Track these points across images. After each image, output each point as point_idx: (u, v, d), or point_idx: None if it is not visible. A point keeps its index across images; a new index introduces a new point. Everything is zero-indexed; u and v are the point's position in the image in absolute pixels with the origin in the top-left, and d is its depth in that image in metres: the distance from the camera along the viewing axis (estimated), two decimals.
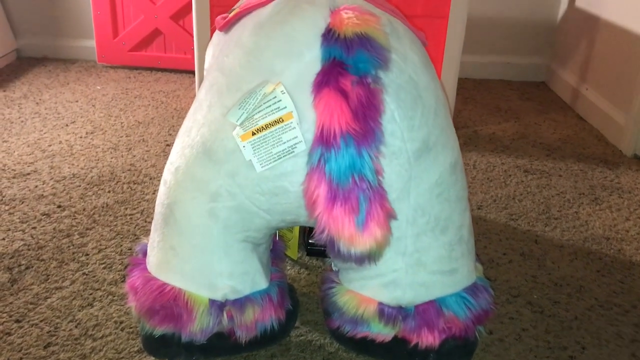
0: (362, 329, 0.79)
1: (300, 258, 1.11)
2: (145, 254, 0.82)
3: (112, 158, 1.48)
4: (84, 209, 1.24)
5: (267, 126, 0.66)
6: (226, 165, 0.71)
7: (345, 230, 0.66)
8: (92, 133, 1.62)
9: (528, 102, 2.05)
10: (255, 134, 0.66)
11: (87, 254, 1.10)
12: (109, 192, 1.32)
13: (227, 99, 0.71)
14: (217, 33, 0.86)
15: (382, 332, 0.78)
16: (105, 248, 1.12)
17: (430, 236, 0.75)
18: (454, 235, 0.77)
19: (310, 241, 1.03)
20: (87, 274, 1.04)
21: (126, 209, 1.25)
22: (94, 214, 1.23)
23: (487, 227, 1.26)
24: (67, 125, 1.66)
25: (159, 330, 0.77)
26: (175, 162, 0.76)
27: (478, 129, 1.80)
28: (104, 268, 1.06)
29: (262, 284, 0.79)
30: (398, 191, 0.72)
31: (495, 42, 2.24)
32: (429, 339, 0.77)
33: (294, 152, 0.67)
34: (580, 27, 2.02)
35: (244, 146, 0.66)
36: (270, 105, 0.66)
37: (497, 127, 1.82)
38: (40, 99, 1.84)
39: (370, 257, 0.67)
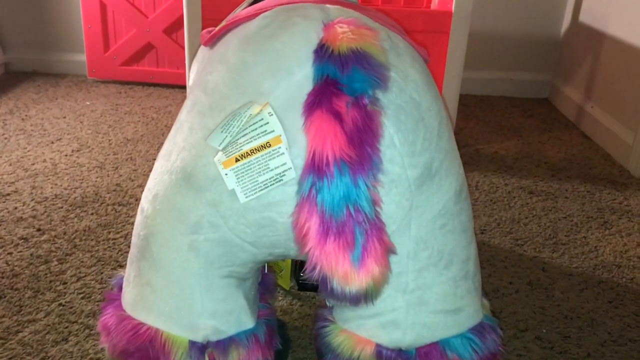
0: None
1: (293, 287, 1.04)
2: (121, 288, 0.75)
3: (97, 177, 1.41)
4: (64, 233, 1.17)
5: (252, 152, 0.59)
6: (208, 194, 0.64)
7: (339, 267, 0.59)
8: (78, 151, 1.55)
9: (531, 119, 1.99)
10: (239, 160, 0.59)
11: (65, 283, 1.03)
12: (92, 214, 1.25)
13: (209, 120, 0.65)
14: (202, 48, 0.80)
15: None
16: (85, 276, 1.05)
17: (433, 272, 0.68)
18: (459, 270, 0.70)
19: (301, 274, 0.96)
20: (63, 305, 0.97)
21: (109, 232, 1.18)
22: (74, 238, 1.16)
23: (491, 253, 1.19)
24: (52, 142, 1.60)
25: None
26: (153, 188, 0.69)
27: (480, 147, 1.73)
28: (82, 298, 0.99)
29: (247, 323, 0.71)
30: (397, 223, 0.65)
31: (497, 57, 2.18)
32: None
33: (282, 180, 0.60)
34: (584, 43, 1.96)
35: (226, 174, 0.60)
36: (256, 129, 0.60)
37: (500, 145, 1.76)
38: (26, 115, 1.78)
39: (366, 297, 0.61)
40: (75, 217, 1.23)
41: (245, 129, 0.60)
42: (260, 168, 0.59)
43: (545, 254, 1.20)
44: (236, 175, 0.59)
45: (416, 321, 0.69)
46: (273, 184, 0.60)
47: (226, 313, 0.70)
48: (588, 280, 1.12)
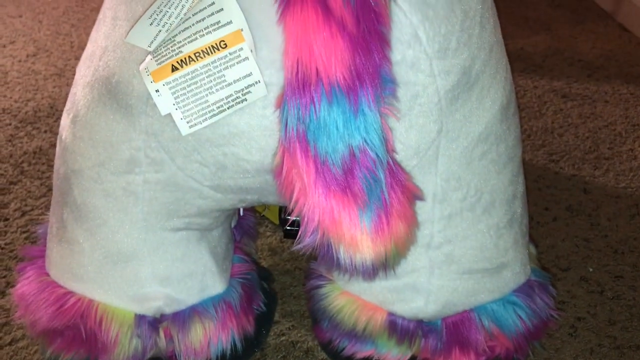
0: (365, 347, 0.55)
1: None
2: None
3: (54, 87, 1.20)
4: (10, 156, 0.98)
5: (198, 55, 0.38)
6: (143, 118, 0.44)
7: (346, 230, 0.40)
8: (34, 55, 1.33)
9: (559, 9, 1.74)
10: (177, 69, 0.38)
11: (7, 219, 0.85)
12: (45, 132, 1.05)
13: (138, 4, 0.43)
14: None
15: (394, 352, 0.54)
16: (32, 210, 0.87)
17: (469, 218, 0.49)
18: (502, 215, 0.51)
19: (287, 217, 0.75)
20: (2, 248, 0.80)
21: None
22: (22, 162, 0.97)
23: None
24: (4, 46, 1.37)
25: (66, 359, 0.53)
26: (72, 107, 0.49)
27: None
28: (27, 239, 0.81)
29: (215, 287, 0.54)
30: (420, 155, 0.45)
31: None
32: None
33: (246, 100, 0.39)
34: None
35: (157, 90, 0.39)
36: (204, 18, 0.38)
37: (526, 41, 1.52)
38: None
39: (386, 267, 0.42)
40: (25, 135, 1.04)
41: (187, 20, 0.38)
42: (211, 81, 0.39)
43: (585, 171, 1.01)
44: (173, 93, 0.39)
45: (443, 285, 0.51)
46: (232, 105, 0.40)
47: (184, 276, 0.52)
48: None
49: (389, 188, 0.40)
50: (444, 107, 0.44)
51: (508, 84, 0.50)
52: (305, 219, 0.41)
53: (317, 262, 0.45)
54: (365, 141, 0.39)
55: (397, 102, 0.42)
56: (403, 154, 0.45)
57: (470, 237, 0.50)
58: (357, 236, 0.41)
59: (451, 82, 0.44)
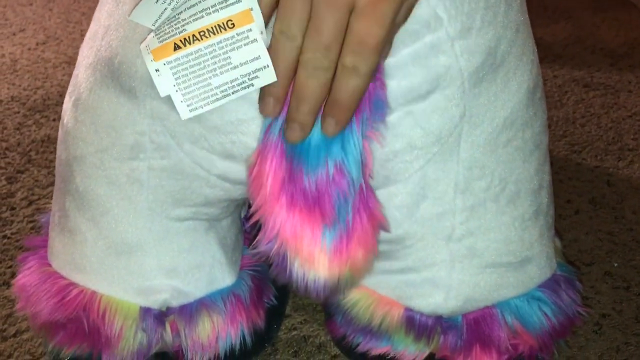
0: (380, 343, 0.52)
1: None
2: None
3: (63, 75, 1.18)
4: (18, 144, 0.96)
5: (203, 35, 0.35)
6: (148, 101, 0.42)
7: (305, 245, 0.38)
8: (44, 44, 1.31)
9: None
10: (179, 48, 0.36)
11: (14, 208, 0.83)
12: (54, 120, 1.03)
13: None
14: None
15: (411, 349, 0.51)
16: (38, 199, 0.85)
17: (492, 209, 0.46)
18: (528, 206, 0.48)
19: None
20: (8, 238, 0.78)
21: None
22: (30, 150, 0.95)
23: None
24: (14, 34, 1.36)
25: (68, 353, 0.51)
26: (74, 90, 0.47)
27: None
28: (32, 228, 0.80)
29: (224, 279, 0.51)
30: (441, 141, 0.43)
31: None
32: None
33: (253, 85, 0.37)
34: None
35: (157, 70, 0.36)
36: None
37: (545, 30, 1.48)
38: None
39: (337, 290, 0.41)
40: (34, 123, 1.02)
41: None
42: (215, 63, 0.36)
43: (609, 162, 0.98)
44: (174, 74, 0.36)
45: (464, 280, 0.48)
46: (237, 90, 0.37)
47: (192, 268, 0.49)
48: None
49: (356, 212, 0.40)
50: (467, 90, 0.42)
51: (535, 66, 0.47)
52: (266, 226, 0.40)
53: (270, 271, 0.43)
54: (343, 161, 0.38)
55: (416, 88, 0.40)
56: (424, 141, 0.42)
57: (494, 229, 0.47)
58: (314, 253, 0.40)
59: (475, 64, 0.41)
